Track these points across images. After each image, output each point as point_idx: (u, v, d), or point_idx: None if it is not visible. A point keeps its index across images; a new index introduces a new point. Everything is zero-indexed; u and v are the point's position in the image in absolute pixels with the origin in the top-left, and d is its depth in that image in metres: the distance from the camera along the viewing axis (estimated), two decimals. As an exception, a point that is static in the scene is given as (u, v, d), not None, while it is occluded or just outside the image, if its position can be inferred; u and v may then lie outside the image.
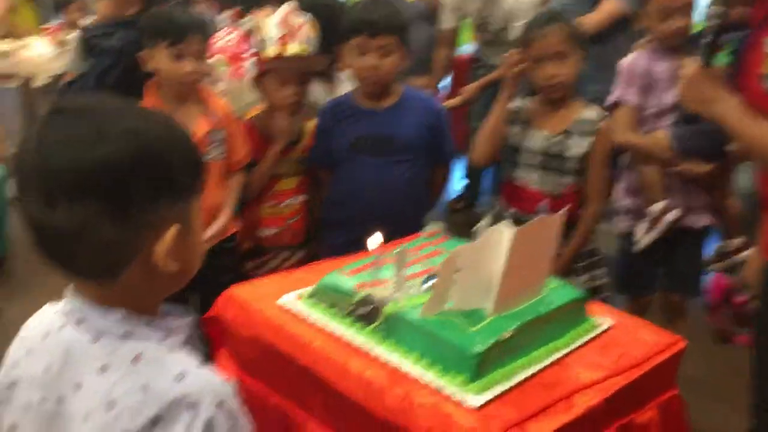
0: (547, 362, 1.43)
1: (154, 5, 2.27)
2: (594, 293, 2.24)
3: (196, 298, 2.23)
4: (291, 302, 1.56)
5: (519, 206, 2.19)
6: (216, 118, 2.22)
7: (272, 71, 2.24)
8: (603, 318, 1.63)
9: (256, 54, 2.28)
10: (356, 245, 1.54)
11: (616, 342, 1.55)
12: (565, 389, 1.36)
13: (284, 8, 2.24)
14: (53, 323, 0.94)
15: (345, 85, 2.61)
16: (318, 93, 2.61)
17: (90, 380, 0.88)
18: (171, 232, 0.87)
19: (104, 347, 0.89)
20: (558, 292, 1.55)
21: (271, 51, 2.21)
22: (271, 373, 1.50)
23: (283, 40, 2.21)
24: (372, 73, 2.17)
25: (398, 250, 1.39)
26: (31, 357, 0.95)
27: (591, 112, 2.15)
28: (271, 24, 2.23)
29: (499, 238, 1.38)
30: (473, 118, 4.24)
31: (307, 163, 2.39)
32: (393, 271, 1.44)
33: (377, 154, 2.25)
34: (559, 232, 1.50)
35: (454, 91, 4.86)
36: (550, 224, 1.45)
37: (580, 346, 1.51)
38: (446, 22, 3.85)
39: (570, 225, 2.16)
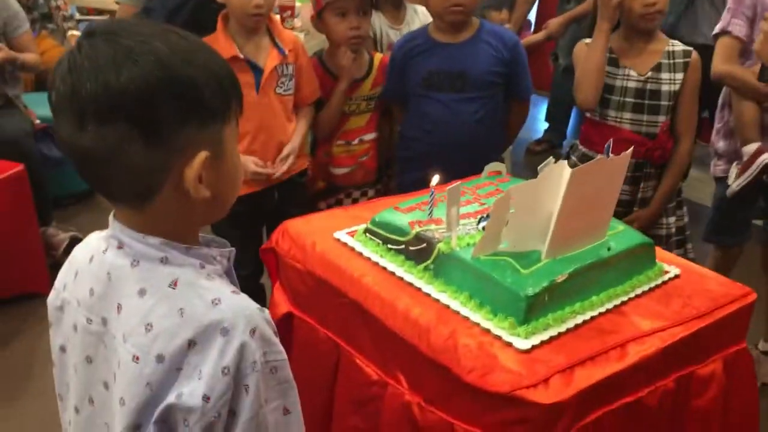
0: (604, 308, 1.38)
1: None
2: (678, 233, 2.18)
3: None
4: (345, 237, 1.55)
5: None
6: (285, 53, 2.20)
7: (330, 5, 2.19)
8: (670, 267, 1.55)
9: None
10: (427, 183, 1.52)
11: (681, 291, 1.48)
12: (620, 337, 1.32)
13: None
14: (98, 247, 0.96)
15: (412, 15, 2.55)
16: (382, 25, 2.56)
17: (130, 302, 0.90)
18: (200, 157, 0.86)
19: (143, 271, 0.90)
20: (623, 236, 1.49)
21: None
22: (322, 307, 1.51)
23: None
24: (456, 4, 2.10)
25: (451, 187, 1.35)
26: (78, 280, 0.98)
27: (679, 45, 2.06)
28: None
29: (556, 178, 1.32)
30: (560, 55, 4.09)
31: (380, 97, 2.36)
32: (453, 211, 1.40)
33: (450, 89, 2.20)
34: (623, 174, 1.42)
35: (538, 26, 4.69)
36: (614, 165, 1.37)
37: (642, 294, 1.45)
38: None
39: (662, 165, 2.09)
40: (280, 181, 2.28)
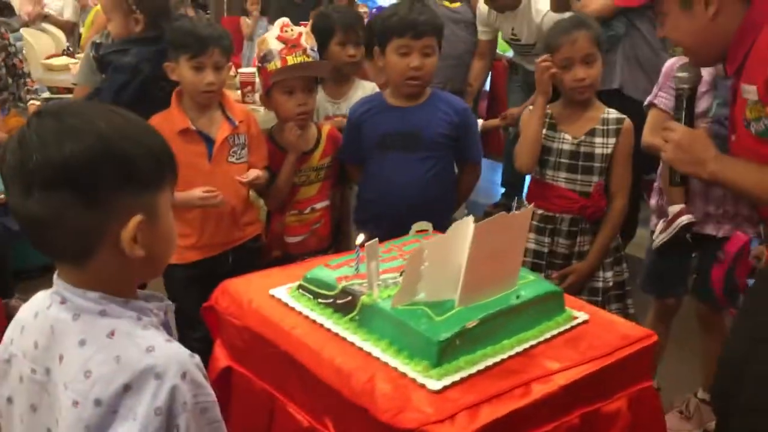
0: (514, 351, 1.50)
1: (159, 21, 2.43)
2: (617, 287, 2.31)
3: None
4: (280, 294, 1.68)
5: (546, 205, 2.27)
6: (236, 123, 2.35)
7: (277, 84, 2.35)
8: (579, 313, 1.68)
9: (262, 70, 2.40)
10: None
11: (587, 335, 1.61)
12: (527, 376, 1.43)
13: (280, 22, 2.36)
14: (42, 303, 1.07)
15: (355, 91, 2.72)
16: (321, 99, 2.73)
17: (71, 352, 1.00)
18: (135, 220, 0.98)
19: (83, 323, 1.01)
20: (532, 285, 1.62)
21: (274, 64, 2.32)
22: (258, 361, 1.62)
23: (285, 51, 2.32)
24: (416, 74, 2.25)
25: (369, 243, 1.49)
26: (24, 334, 1.08)
27: (614, 113, 2.24)
28: (271, 38, 2.35)
29: (463, 233, 1.46)
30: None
31: (338, 156, 2.49)
32: (373, 265, 1.53)
33: (405, 150, 2.33)
34: (527, 228, 1.57)
35: (492, 95, 4.94)
36: (516, 220, 1.52)
37: (551, 338, 1.58)
38: (482, 34, 3.99)
39: (597, 222, 2.25)
40: (234, 245, 2.40)
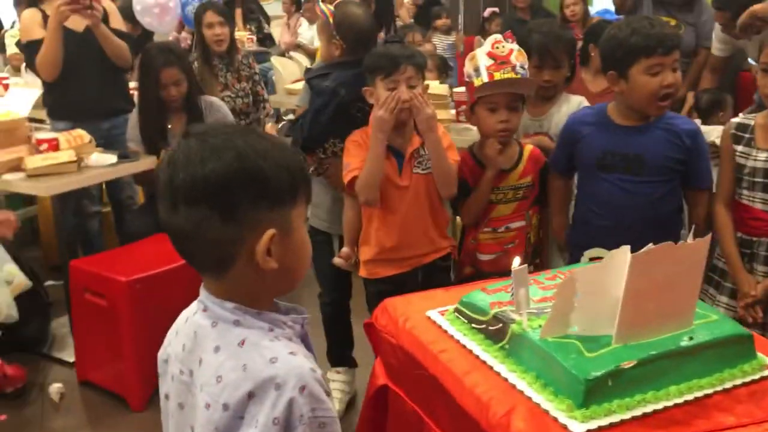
0: (682, 400, 1.33)
1: (358, 47, 2.51)
2: None
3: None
4: (435, 316, 1.65)
5: (742, 228, 2.02)
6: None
7: (481, 99, 2.32)
8: (777, 361, 1.44)
9: (469, 84, 2.39)
10: None
11: (781, 389, 1.37)
12: (690, 429, 1.26)
13: (492, 38, 2.33)
14: (191, 310, 1.17)
15: (559, 107, 2.60)
16: (523, 119, 2.64)
17: (208, 357, 1.08)
18: (268, 234, 1.03)
19: (219, 331, 1.08)
20: (713, 326, 1.43)
21: (481, 79, 2.30)
22: (410, 381, 1.61)
23: (493, 67, 2.29)
24: (669, 91, 2.09)
25: (517, 269, 1.41)
26: (177, 337, 1.18)
27: None
28: (481, 53, 2.33)
29: (620, 263, 1.33)
30: None
31: (549, 164, 2.43)
32: (521, 292, 1.45)
33: (627, 172, 2.18)
34: (703, 260, 1.38)
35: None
36: (687, 251, 1.35)
37: (732, 389, 1.37)
38: (718, 51, 3.77)
39: None
40: (424, 262, 2.42)
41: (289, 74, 5.99)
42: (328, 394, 1.05)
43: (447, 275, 2.54)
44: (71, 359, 3.06)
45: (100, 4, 3.36)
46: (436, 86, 3.63)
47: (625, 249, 1.33)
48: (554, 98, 2.67)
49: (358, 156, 2.34)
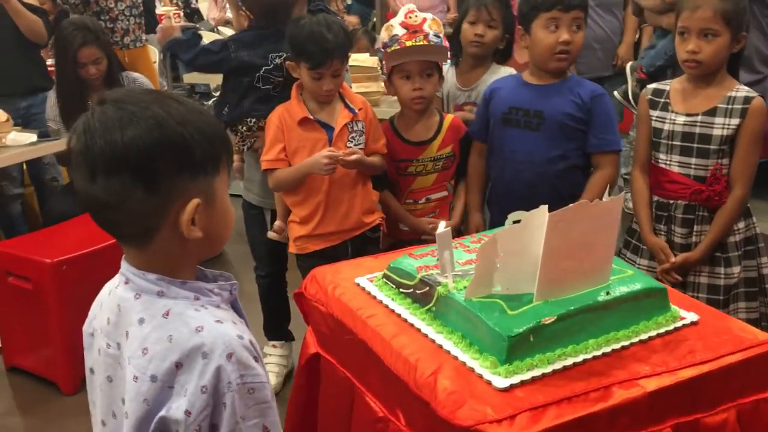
0: (600, 352, 1.38)
1: (268, 17, 2.51)
2: (750, 284, 2.07)
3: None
4: (364, 283, 1.66)
5: (659, 192, 2.09)
6: (356, 111, 2.38)
7: (395, 68, 2.33)
8: (689, 313, 1.51)
9: (384, 54, 2.40)
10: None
11: (692, 338, 1.44)
12: (608, 380, 1.31)
13: (405, 8, 2.34)
14: (114, 282, 1.14)
15: (489, 77, 2.63)
16: (451, 87, 2.67)
17: (133, 330, 1.06)
18: (192, 203, 1.02)
19: (143, 303, 1.06)
20: (629, 281, 1.48)
21: (394, 47, 2.32)
22: (340, 348, 1.62)
23: (406, 36, 2.30)
24: (565, 47, 2.14)
25: (440, 232, 1.44)
26: (101, 310, 1.15)
27: (743, 91, 2.01)
28: (395, 24, 2.34)
29: (538, 223, 1.36)
30: None
31: (468, 133, 2.45)
32: (446, 255, 1.48)
33: (527, 127, 2.23)
34: (617, 217, 1.43)
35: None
36: (600, 209, 1.39)
37: (648, 340, 1.43)
38: None
39: (716, 207, 2.04)
40: (353, 234, 2.43)
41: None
42: (258, 359, 1.05)
43: (377, 246, 2.55)
44: (-3, 345, 2.98)
45: None
46: (365, 58, 3.62)
47: (543, 209, 1.37)
48: (484, 67, 2.70)
49: (275, 144, 2.33)
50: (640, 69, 3.46)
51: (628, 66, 3.59)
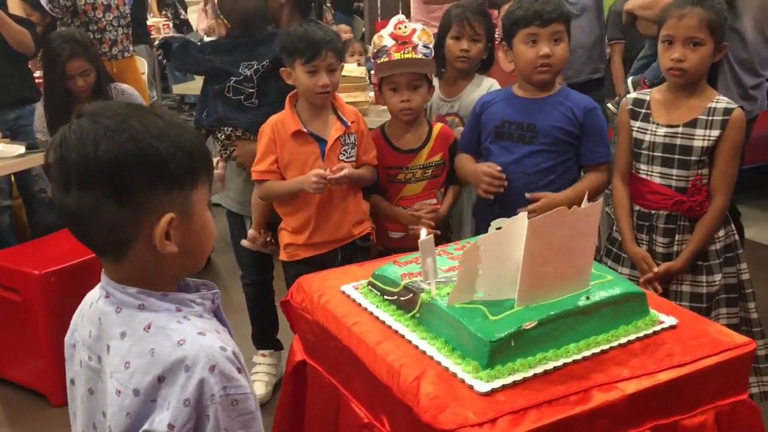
0: (580, 356, 1.41)
1: (244, 25, 2.58)
2: (731, 290, 2.09)
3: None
4: (349, 290, 1.69)
5: (641, 202, 2.12)
6: (348, 124, 2.40)
7: (384, 80, 2.36)
8: (668, 317, 1.54)
9: (375, 65, 2.43)
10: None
11: (670, 341, 1.47)
12: (587, 383, 1.34)
13: (395, 19, 2.37)
14: (95, 295, 1.15)
15: (473, 89, 2.66)
16: (435, 98, 2.69)
17: (114, 344, 1.06)
18: (165, 218, 1.02)
19: (123, 317, 1.06)
20: (608, 286, 1.51)
21: (383, 59, 2.34)
22: (326, 355, 1.64)
23: (395, 48, 2.32)
24: (546, 60, 2.18)
25: (423, 239, 1.46)
26: (83, 322, 1.16)
27: (723, 102, 2.04)
28: (385, 35, 2.37)
29: (519, 229, 1.39)
30: None
31: (458, 145, 2.47)
32: (429, 261, 1.50)
33: (520, 140, 2.25)
34: (596, 223, 1.46)
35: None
36: (579, 215, 1.42)
37: (627, 344, 1.46)
38: None
39: (697, 217, 2.06)
40: (343, 243, 2.45)
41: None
42: (241, 370, 1.05)
43: (366, 254, 2.57)
44: (-15, 357, 2.97)
45: None
46: (353, 68, 3.65)
47: (523, 215, 1.39)
48: (467, 79, 2.72)
49: (267, 156, 2.35)
50: (643, 81, 3.49)
51: (629, 80, 3.62)
